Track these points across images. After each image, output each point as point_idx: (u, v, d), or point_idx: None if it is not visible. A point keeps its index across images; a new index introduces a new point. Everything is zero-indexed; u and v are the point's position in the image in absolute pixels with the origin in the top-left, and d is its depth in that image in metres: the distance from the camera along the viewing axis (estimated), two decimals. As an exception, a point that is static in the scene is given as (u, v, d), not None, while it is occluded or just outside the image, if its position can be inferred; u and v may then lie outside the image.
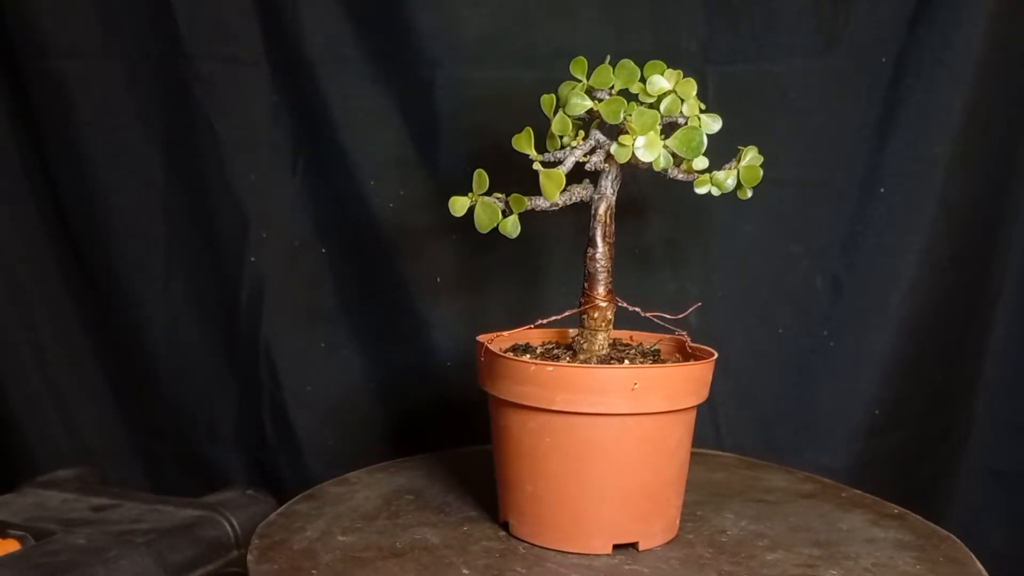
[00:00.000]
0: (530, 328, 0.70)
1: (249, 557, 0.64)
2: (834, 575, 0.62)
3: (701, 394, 0.67)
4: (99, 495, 0.93)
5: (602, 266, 0.68)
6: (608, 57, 0.66)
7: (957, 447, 1.04)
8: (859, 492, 0.79)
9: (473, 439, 0.90)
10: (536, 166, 0.66)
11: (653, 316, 0.69)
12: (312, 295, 1.04)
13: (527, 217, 0.68)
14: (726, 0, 0.92)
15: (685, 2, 0.93)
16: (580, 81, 0.66)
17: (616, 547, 0.65)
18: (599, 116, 0.66)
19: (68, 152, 1.03)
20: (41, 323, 1.10)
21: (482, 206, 0.67)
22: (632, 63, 0.65)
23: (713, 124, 0.66)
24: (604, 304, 0.68)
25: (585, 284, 0.68)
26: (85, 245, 1.07)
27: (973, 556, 0.65)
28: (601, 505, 0.64)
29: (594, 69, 0.66)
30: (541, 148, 0.67)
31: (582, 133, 0.67)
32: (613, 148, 0.65)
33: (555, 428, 0.64)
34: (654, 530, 0.66)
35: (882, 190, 0.94)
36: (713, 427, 0.99)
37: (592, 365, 0.66)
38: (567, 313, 0.69)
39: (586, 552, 0.65)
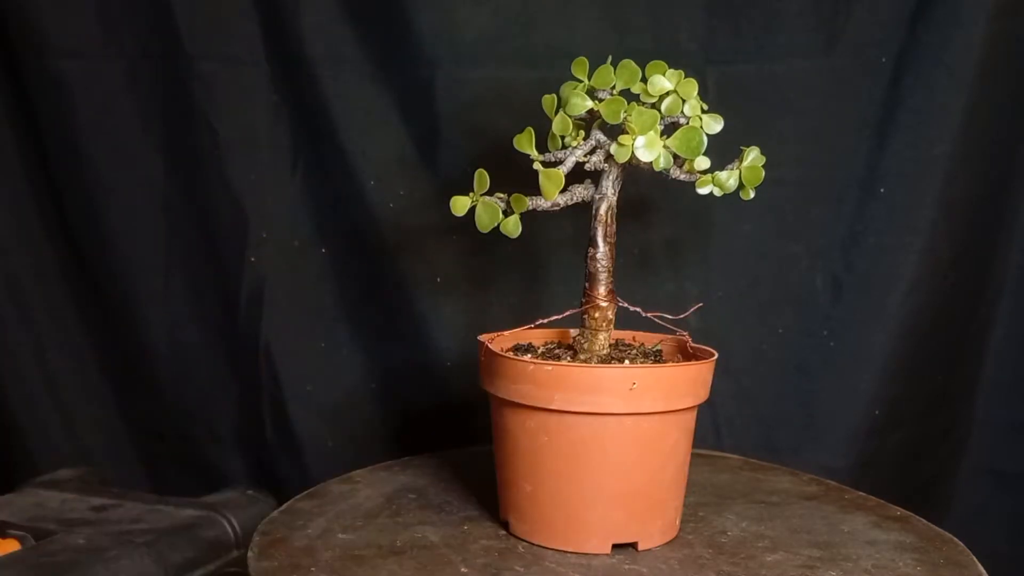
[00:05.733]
0: (531, 328, 0.70)
1: (250, 554, 0.64)
2: (834, 576, 0.62)
3: (700, 395, 0.66)
4: (99, 495, 0.93)
5: (603, 266, 0.68)
6: (609, 57, 0.66)
7: (957, 447, 1.04)
8: (862, 494, 0.79)
9: (472, 440, 0.90)
10: (536, 166, 0.66)
11: (654, 316, 0.69)
12: (312, 295, 1.03)
13: (528, 217, 0.68)
14: (726, 0, 0.93)
15: (685, 2, 0.93)
16: (581, 81, 0.66)
17: (615, 547, 0.65)
18: (600, 116, 0.66)
19: (68, 152, 1.03)
20: (41, 323, 1.10)
21: (483, 206, 0.67)
22: (633, 63, 0.65)
23: (714, 124, 0.66)
24: (605, 304, 0.68)
25: (586, 284, 0.68)
26: (85, 245, 1.07)
27: (975, 559, 0.65)
28: (599, 504, 0.64)
29: (595, 69, 0.66)
30: (542, 148, 0.67)
31: (583, 133, 0.67)
32: (613, 148, 0.65)
33: (553, 427, 0.64)
34: (653, 530, 0.66)
35: (882, 190, 0.94)
36: (713, 427, 0.99)
37: (589, 364, 0.66)
38: (568, 313, 0.69)
39: (585, 551, 0.65)
